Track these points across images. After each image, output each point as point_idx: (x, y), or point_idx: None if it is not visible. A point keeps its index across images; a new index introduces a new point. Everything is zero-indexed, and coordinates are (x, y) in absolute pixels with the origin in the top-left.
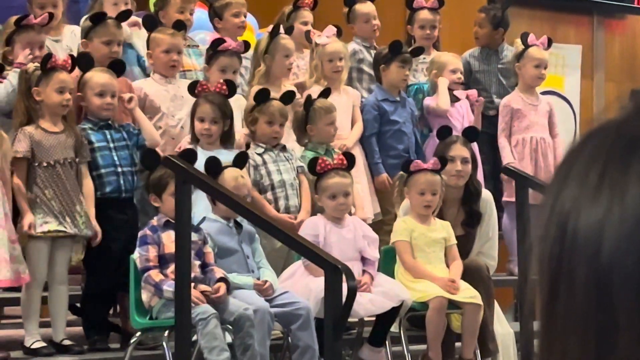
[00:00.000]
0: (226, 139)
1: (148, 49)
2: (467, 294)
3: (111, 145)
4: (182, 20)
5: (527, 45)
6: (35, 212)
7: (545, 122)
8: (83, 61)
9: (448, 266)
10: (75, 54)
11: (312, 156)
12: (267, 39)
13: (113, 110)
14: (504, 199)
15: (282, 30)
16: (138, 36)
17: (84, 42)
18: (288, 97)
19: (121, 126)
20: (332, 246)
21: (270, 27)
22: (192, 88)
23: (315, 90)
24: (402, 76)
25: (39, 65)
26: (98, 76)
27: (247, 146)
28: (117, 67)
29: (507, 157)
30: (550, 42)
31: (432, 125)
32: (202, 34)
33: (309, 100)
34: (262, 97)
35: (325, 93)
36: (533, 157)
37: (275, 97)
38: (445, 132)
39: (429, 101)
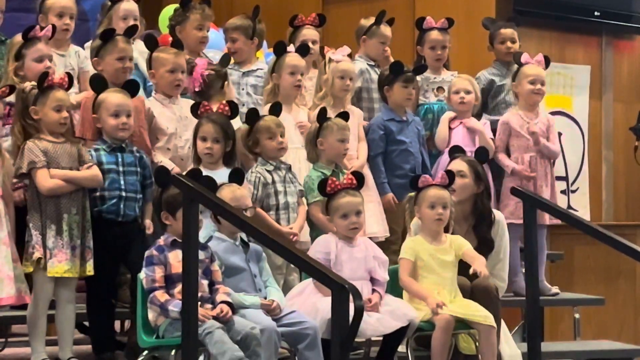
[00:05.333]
0: (228, 159)
1: (150, 68)
2: (480, 314)
3: (121, 169)
4: (179, 39)
5: (520, 64)
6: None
7: (543, 140)
8: (95, 83)
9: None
10: (75, 74)
11: (316, 176)
12: (274, 58)
13: (129, 130)
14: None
15: (292, 48)
16: (143, 58)
17: (96, 60)
18: (276, 110)
19: (137, 151)
20: (342, 264)
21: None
22: (195, 109)
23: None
24: (405, 95)
25: (35, 84)
26: (112, 96)
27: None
28: (131, 88)
29: (510, 165)
30: (548, 61)
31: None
32: (212, 53)
33: (323, 114)
34: (253, 117)
35: (343, 115)
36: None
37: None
38: (456, 151)
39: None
